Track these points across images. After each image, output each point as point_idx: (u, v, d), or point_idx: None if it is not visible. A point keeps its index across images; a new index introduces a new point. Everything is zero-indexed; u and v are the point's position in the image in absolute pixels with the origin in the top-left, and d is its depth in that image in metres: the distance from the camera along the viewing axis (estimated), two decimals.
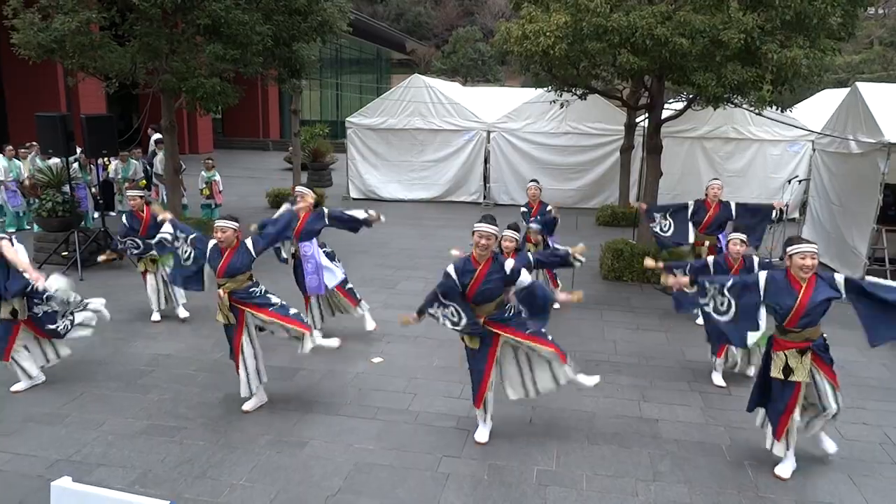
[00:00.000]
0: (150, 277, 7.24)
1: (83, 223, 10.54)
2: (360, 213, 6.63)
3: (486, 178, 15.46)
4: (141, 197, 7.24)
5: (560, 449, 4.80)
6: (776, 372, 4.35)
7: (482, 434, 4.88)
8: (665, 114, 9.31)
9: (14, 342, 5.44)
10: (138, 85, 9.96)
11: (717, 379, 5.97)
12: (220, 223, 5.11)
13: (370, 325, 6.97)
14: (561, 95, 11.07)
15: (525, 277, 4.63)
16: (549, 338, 4.74)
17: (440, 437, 4.92)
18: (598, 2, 7.16)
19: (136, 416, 5.14)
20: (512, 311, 4.75)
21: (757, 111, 8.63)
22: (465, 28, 45.54)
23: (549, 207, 7.85)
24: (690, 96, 9.49)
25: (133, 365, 6.11)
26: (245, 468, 4.45)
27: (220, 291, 5.07)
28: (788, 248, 4.25)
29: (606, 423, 5.22)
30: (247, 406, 5.25)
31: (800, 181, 11.52)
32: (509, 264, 4.61)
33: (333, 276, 6.58)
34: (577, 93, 11.21)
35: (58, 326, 5.54)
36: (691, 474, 4.52)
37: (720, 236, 7.37)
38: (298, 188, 6.73)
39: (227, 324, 5.17)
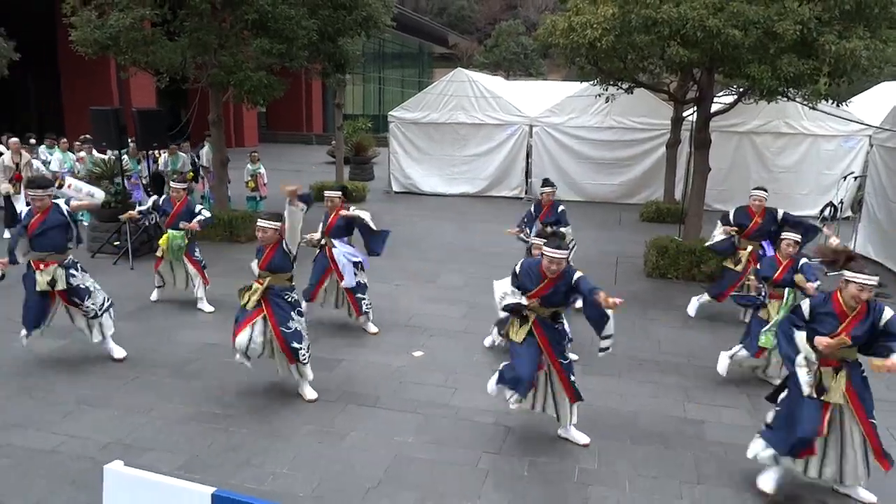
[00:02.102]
0: (163, 262, 7.42)
1: None
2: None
3: (527, 173, 15.34)
4: (184, 190, 7.47)
5: (602, 447, 4.74)
6: (808, 390, 4.02)
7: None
8: (714, 107, 9.07)
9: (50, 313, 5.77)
10: (188, 79, 10.19)
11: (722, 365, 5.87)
12: (261, 223, 5.17)
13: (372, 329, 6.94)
14: (606, 89, 10.89)
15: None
16: (571, 377, 4.69)
17: (480, 433, 4.91)
18: None
19: (184, 403, 5.26)
20: (563, 327, 4.71)
21: (811, 105, 8.33)
22: (507, 22, 45.13)
23: (561, 207, 7.72)
24: (741, 89, 9.22)
25: (181, 352, 6.27)
26: (288, 457, 4.52)
27: (260, 281, 5.19)
28: (848, 273, 3.95)
29: (650, 423, 5.13)
30: (309, 395, 5.31)
31: (855, 178, 11.10)
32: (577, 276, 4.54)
33: (349, 280, 6.64)
34: (623, 86, 11.01)
35: (86, 303, 5.72)
36: (737, 478, 4.41)
37: (765, 244, 7.11)
38: (327, 192, 6.86)
39: (245, 306, 5.20)
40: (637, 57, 8.02)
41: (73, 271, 5.70)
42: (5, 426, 4.82)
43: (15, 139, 11.09)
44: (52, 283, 5.58)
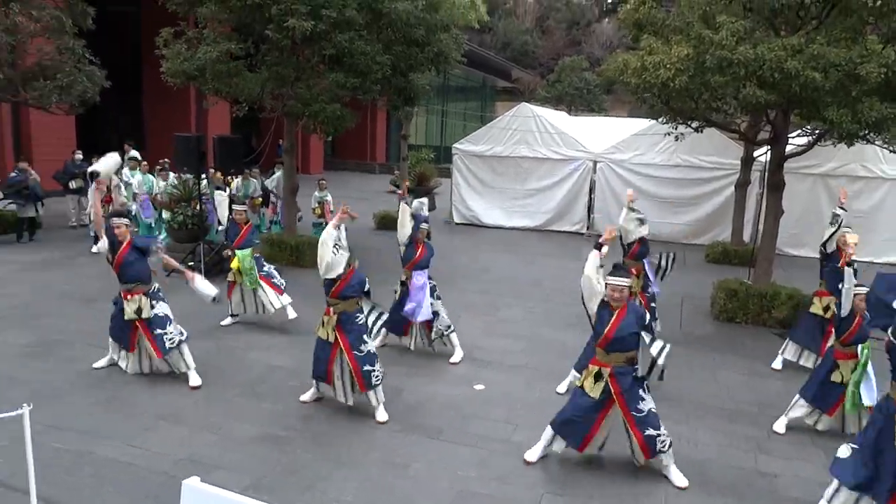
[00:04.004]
0: (236, 288, 7.78)
1: (208, 236, 11.28)
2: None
3: (590, 209, 15.24)
4: (244, 212, 8.03)
5: (669, 494, 4.60)
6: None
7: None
8: (787, 148, 8.84)
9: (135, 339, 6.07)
10: (264, 109, 10.64)
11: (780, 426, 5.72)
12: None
13: (457, 356, 7.03)
14: (676, 128, 10.76)
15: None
16: (646, 431, 4.63)
17: (542, 472, 4.85)
18: (723, 34, 6.94)
19: (252, 423, 5.40)
20: (637, 375, 4.69)
21: (892, 149, 8.04)
22: (571, 57, 45.40)
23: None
24: (818, 132, 8.97)
25: (248, 374, 6.44)
26: (351, 484, 4.56)
27: (331, 311, 5.49)
28: None
29: (720, 473, 4.95)
30: (380, 417, 5.51)
31: None
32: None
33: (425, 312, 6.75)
34: (693, 125, 10.86)
35: (166, 333, 5.97)
36: None
37: None
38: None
39: (326, 340, 5.53)
40: (710, 97, 7.91)
41: (154, 301, 6.06)
42: (89, 436, 5.06)
43: None
44: (139, 311, 5.94)
